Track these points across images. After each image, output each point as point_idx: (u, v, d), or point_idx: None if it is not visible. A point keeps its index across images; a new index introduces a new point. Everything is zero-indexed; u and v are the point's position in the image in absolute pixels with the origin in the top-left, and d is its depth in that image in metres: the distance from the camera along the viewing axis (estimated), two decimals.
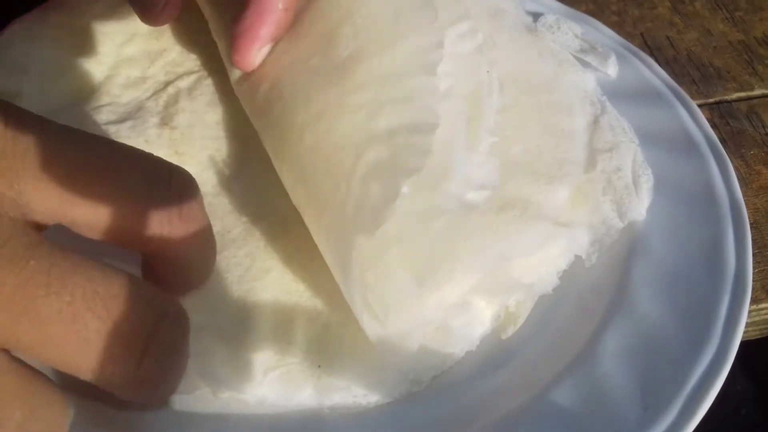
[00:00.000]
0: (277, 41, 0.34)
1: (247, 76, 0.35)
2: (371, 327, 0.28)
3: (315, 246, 0.31)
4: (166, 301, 0.25)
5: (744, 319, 0.31)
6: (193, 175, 0.34)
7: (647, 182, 0.37)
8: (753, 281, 0.34)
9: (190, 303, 0.30)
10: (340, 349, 0.30)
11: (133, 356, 0.23)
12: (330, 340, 0.30)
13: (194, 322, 0.29)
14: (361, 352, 0.30)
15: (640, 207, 0.36)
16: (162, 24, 0.39)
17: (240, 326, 0.30)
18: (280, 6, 0.33)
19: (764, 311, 0.37)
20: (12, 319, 0.21)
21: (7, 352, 0.22)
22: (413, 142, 0.29)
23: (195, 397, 0.29)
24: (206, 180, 0.34)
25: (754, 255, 0.34)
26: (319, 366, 0.30)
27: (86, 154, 0.24)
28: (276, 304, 0.31)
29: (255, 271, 0.31)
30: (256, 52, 0.34)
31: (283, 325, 0.30)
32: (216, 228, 0.32)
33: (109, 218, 0.24)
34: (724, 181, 0.37)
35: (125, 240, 0.25)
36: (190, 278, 0.29)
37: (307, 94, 0.32)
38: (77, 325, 0.22)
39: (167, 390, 0.27)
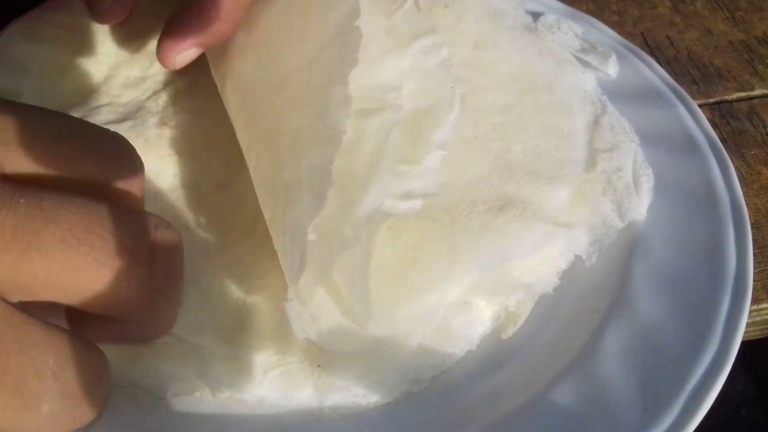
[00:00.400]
0: (207, 48, 0.34)
1: (216, 74, 0.35)
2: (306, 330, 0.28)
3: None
4: (151, 213, 0.26)
5: (745, 319, 0.31)
6: (194, 175, 0.34)
7: (648, 182, 0.36)
8: (753, 281, 0.34)
9: (189, 301, 0.30)
10: None
11: (143, 264, 0.24)
12: None
13: (194, 321, 0.29)
14: (361, 353, 0.29)
15: (641, 207, 0.36)
16: (110, 22, 0.38)
17: (239, 325, 0.30)
18: (219, 15, 0.33)
19: (765, 311, 0.37)
20: (21, 254, 0.22)
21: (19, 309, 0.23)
22: (318, 178, 0.26)
23: (194, 397, 0.29)
24: (207, 179, 0.34)
25: (754, 255, 0.34)
26: (319, 365, 0.29)
27: (50, 123, 0.25)
28: (276, 303, 0.30)
29: (255, 269, 0.31)
30: (176, 54, 0.34)
31: (283, 325, 0.30)
32: (216, 227, 0.32)
33: (71, 173, 0.25)
34: (725, 180, 0.36)
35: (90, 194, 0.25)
36: None
37: (247, 115, 0.31)
38: (84, 246, 0.23)
39: (176, 302, 0.27)
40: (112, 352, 0.29)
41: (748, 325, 0.35)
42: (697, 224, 0.35)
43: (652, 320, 0.31)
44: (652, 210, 0.36)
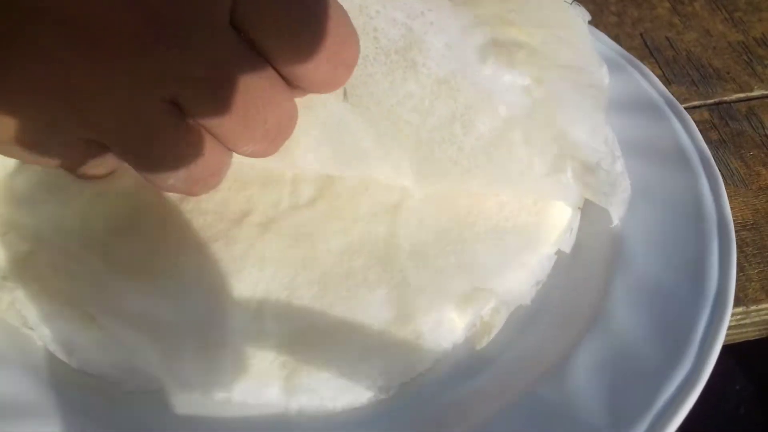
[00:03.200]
0: None
1: None
2: None
3: (294, 247, 0.30)
4: None
5: (721, 340, 0.29)
6: None
7: (623, 193, 0.34)
8: (752, 282, 0.33)
9: (164, 296, 0.29)
10: (311, 351, 0.28)
11: None
12: (302, 342, 0.28)
13: (165, 318, 0.28)
14: (331, 356, 0.28)
15: (614, 215, 0.33)
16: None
17: (211, 323, 0.28)
18: None
19: (763, 311, 0.35)
20: None
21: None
22: None
23: (162, 393, 0.28)
24: None
25: (754, 255, 0.33)
26: (289, 366, 0.28)
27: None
28: (249, 302, 0.29)
29: (231, 268, 0.30)
30: None
31: (255, 324, 0.29)
32: (199, 223, 0.31)
33: None
34: (714, 197, 0.34)
35: None
36: None
37: None
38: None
39: None
40: (82, 338, 0.29)
41: (747, 325, 0.35)
42: (682, 239, 0.33)
43: (628, 336, 0.29)
44: (637, 222, 0.34)
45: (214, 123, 0.24)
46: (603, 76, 0.39)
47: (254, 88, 0.24)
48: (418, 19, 0.31)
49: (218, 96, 0.23)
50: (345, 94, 0.30)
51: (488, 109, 0.31)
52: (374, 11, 0.30)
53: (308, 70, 0.24)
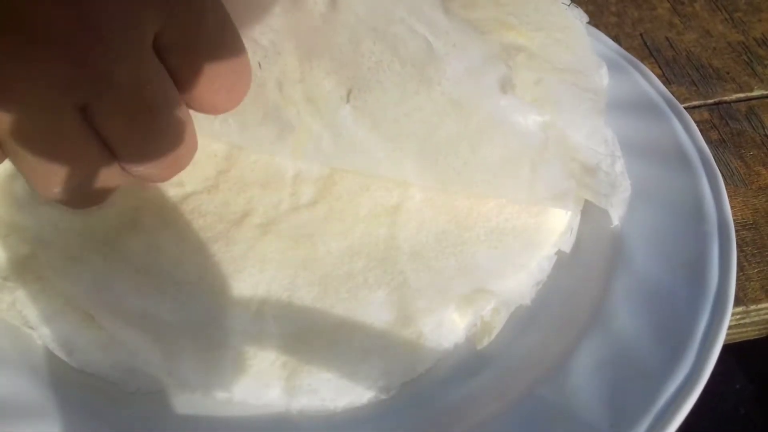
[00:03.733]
0: None
1: None
2: None
3: (294, 249, 0.30)
4: None
5: (721, 341, 0.29)
6: (184, 170, 0.33)
7: (623, 193, 0.34)
8: (752, 281, 0.33)
9: (163, 296, 0.28)
10: (311, 352, 0.28)
11: None
12: (302, 342, 0.28)
13: (165, 319, 0.28)
14: (332, 357, 0.28)
15: (614, 216, 0.33)
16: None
17: (212, 323, 0.28)
18: None
19: (763, 311, 0.35)
20: None
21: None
22: None
23: (163, 394, 0.28)
24: (195, 176, 0.32)
25: (753, 255, 0.33)
26: (290, 367, 0.28)
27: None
28: (250, 302, 0.29)
29: (231, 269, 0.29)
30: None
31: (256, 324, 0.28)
32: (199, 223, 0.31)
33: None
34: (714, 198, 0.34)
35: None
36: None
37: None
38: None
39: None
40: (83, 338, 0.28)
41: (747, 324, 0.35)
42: (683, 240, 0.33)
43: (628, 336, 0.29)
44: (637, 222, 0.34)
45: (113, 134, 0.24)
46: (602, 77, 0.39)
47: (161, 114, 0.25)
48: (441, 38, 0.31)
49: (126, 110, 0.24)
50: (348, 94, 0.30)
51: (499, 138, 0.31)
52: (398, 17, 0.30)
53: (208, 94, 0.27)
